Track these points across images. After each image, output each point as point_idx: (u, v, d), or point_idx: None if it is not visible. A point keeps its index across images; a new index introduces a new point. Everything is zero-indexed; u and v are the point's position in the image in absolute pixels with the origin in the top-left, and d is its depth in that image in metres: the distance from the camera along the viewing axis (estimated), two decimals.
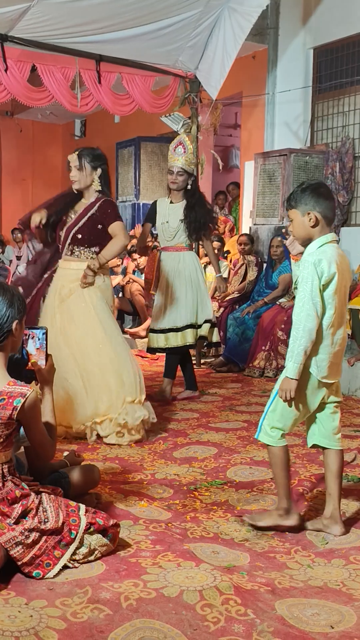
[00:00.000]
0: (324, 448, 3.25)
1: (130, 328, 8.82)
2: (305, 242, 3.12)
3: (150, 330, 5.78)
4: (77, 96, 7.11)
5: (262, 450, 4.40)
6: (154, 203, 5.79)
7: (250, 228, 8.42)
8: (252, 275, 7.83)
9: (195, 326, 5.65)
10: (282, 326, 6.92)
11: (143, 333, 8.05)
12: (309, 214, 3.05)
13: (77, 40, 6.72)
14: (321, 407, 3.20)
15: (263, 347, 6.97)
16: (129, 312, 9.11)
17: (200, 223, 5.61)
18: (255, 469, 4.04)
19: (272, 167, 8.02)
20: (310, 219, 3.05)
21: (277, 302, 7.24)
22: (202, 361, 7.48)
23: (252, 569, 2.81)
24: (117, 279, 8.61)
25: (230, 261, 8.61)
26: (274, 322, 7.01)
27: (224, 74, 7.16)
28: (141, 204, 10.42)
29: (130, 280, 8.87)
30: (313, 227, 3.06)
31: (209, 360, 7.51)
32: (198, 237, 5.80)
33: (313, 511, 3.44)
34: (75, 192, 4.71)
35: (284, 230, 3.10)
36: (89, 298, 4.62)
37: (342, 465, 3.24)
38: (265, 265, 7.78)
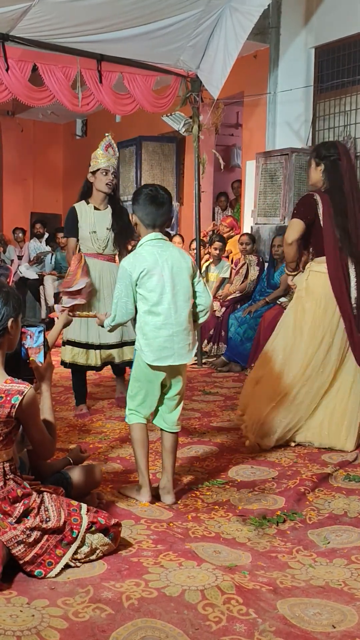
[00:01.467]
0: (162, 429, 3.60)
1: None
2: None
3: (68, 342, 5.14)
4: (78, 96, 7.10)
5: (263, 449, 4.40)
6: (73, 212, 5.13)
7: (251, 227, 8.42)
8: (253, 274, 7.83)
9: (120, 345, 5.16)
10: None
11: None
12: (132, 216, 3.52)
13: (78, 39, 6.71)
14: (167, 393, 3.53)
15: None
16: None
17: (127, 233, 5.12)
18: (257, 469, 4.04)
19: (273, 166, 8.02)
20: (133, 221, 3.52)
21: (278, 302, 7.24)
22: (204, 361, 7.48)
23: (254, 568, 2.81)
24: None
25: (232, 261, 8.61)
26: (275, 321, 6.98)
27: (225, 73, 7.14)
28: None
29: None
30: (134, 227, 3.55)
31: (210, 359, 7.50)
32: (121, 246, 5.23)
33: (315, 510, 3.44)
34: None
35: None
36: None
37: (176, 444, 3.62)
38: (266, 264, 7.78)
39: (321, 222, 4.36)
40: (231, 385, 6.43)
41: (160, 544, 2.97)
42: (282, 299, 7.27)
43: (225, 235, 8.85)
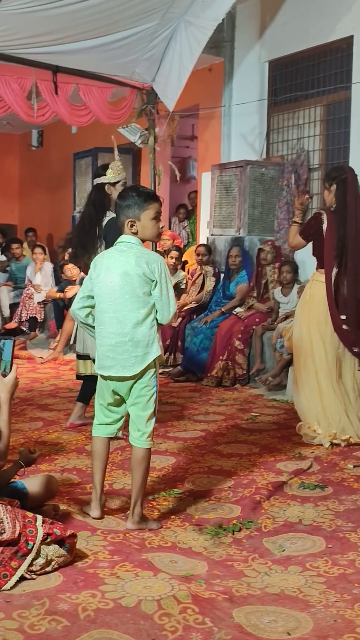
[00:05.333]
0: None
1: None
2: None
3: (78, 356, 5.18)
4: (33, 107, 7.10)
5: (220, 459, 4.43)
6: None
7: (207, 238, 8.48)
8: (209, 285, 7.88)
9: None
10: (239, 336, 6.97)
11: None
12: (135, 222, 3.32)
13: (34, 50, 6.72)
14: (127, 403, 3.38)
15: (220, 357, 7.02)
16: None
17: None
18: (213, 478, 4.06)
19: (229, 178, 8.10)
20: (139, 226, 3.33)
21: (234, 312, 7.30)
22: (161, 371, 7.47)
23: (210, 577, 2.83)
24: (75, 289, 8.58)
25: (188, 271, 8.65)
26: (231, 332, 7.07)
27: (180, 86, 7.22)
28: None
29: None
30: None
31: (167, 370, 7.51)
32: None
33: (270, 519, 3.47)
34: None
35: None
36: None
37: (141, 460, 3.30)
38: (222, 275, 7.84)
39: (324, 237, 4.86)
40: (188, 395, 6.45)
41: (117, 554, 2.96)
42: (238, 309, 7.34)
43: (166, 248, 8.89)
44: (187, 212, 10.75)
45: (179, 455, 4.50)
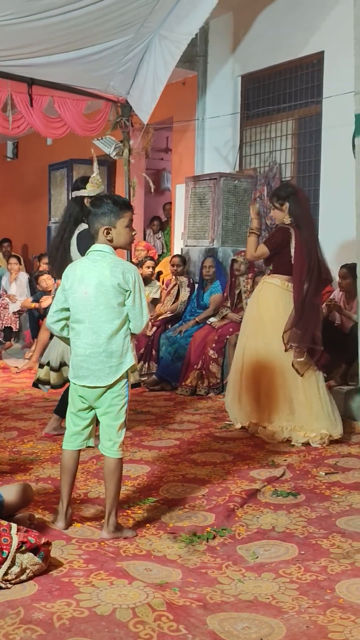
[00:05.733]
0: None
1: None
2: None
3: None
4: (8, 119, 7.12)
5: (194, 467, 4.47)
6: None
7: (181, 249, 8.54)
8: (184, 295, 7.94)
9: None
10: (213, 345, 7.03)
11: None
12: (111, 229, 3.33)
13: (9, 63, 6.74)
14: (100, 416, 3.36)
15: (195, 366, 7.06)
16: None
17: None
18: (187, 486, 4.09)
19: (202, 190, 8.17)
20: (116, 233, 3.33)
21: (208, 322, 7.36)
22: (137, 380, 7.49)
23: (184, 585, 2.85)
24: (50, 300, 8.58)
25: (163, 282, 8.70)
26: (205, 341, 7.12)
27: (154, 99, 7.29)
28: None
29: None
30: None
31: (142, 379, 7.54)
32: None
33: (244, 526, 3.51)
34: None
35: None
36: None
37: (113, 470, 3.31)
38: (196, 285, 7.91)
39: (292, 251, 5.09)
40: (162, 404, 6.48)
41: (92, 563, 2.98)
42: (212, 319, 7.39)
43: (141, 259, 8.94)
44: (161, 223, 10.82)
45: (153, 464, 4.52)
